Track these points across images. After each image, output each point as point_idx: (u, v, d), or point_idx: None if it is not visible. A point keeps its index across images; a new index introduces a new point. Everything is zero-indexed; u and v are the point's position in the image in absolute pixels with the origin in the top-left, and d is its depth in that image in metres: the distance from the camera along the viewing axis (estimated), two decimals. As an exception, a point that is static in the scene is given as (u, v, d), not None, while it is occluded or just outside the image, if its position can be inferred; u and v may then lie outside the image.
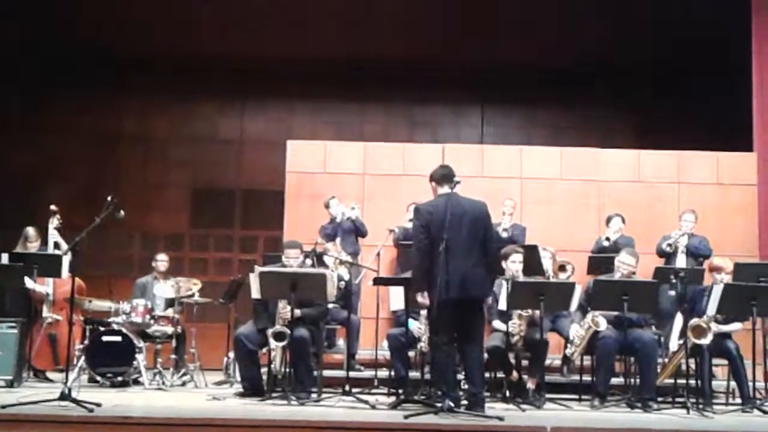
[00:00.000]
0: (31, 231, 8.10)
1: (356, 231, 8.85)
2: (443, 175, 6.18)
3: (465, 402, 5.94)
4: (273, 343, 6.72)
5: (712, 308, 6.72)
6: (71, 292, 6.27)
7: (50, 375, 7.93)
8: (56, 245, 8.09)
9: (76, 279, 6.70)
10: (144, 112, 12.48)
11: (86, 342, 7.61)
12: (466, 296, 5.87)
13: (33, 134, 11.97)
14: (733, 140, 10.27)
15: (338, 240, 8.61)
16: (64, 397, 5.67)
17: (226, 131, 12.64)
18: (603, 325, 6.83)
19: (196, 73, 12.01)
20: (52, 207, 8.17)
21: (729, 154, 9.73)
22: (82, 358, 7.48)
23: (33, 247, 8.02)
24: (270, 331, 6.74)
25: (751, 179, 9.46)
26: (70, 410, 5.51)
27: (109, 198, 6.29)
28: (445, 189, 6.14)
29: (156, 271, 8.57)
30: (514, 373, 6.91)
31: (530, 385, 6.87)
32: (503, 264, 7.17)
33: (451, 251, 5.81)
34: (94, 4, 10.90)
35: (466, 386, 6.12)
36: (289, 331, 6.59)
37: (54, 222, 8.13)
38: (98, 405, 5.61)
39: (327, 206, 8.95)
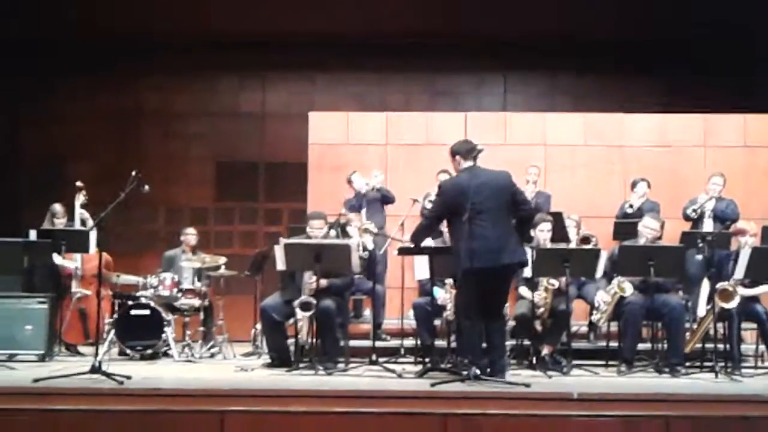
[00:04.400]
0: (58, 207, 8.18)
1: (383, 200, 8.83)
2: (466, 150, 6.09)
3: (488, 369, 5.92)
4: (299, 313, 6.77)
5: (739, 272, 6.66)
6: (98, 267, 6.32)
7: (81, 349, 8.04)
8: (83, 221, 8.17)
9: (104, 254, 6.77)
10: (165, 87, 12.46)
11: (115, 316, 7.71)
12: (494, 265, 5.79)
13: (56, 114, 12.03)
14: (761, 102, 10.11)
15: (364, 211, 8.61)
16: (95, 370, 5.75)
17: (248, 104, 12.62)
18: (629, 290, 6.80)
19: (217, 47, 11.99)
20: (78, 183, 8.25)
21: (756, 116, 9.61)
22: (112, 331, 7.59)
23: (60, 223, 8.09)
24: (296, 302, 6.78)
25: (779, 141, 9.34)
26: (101, 383, 5.59)
27: (133, 173, 6.32)
28: (467, 163, 6.06)
29: (185, 245, 8.61)
30: (546, 348, 6.92)
31: (546, 351, 6.87)
32: (531, 232, 7.14)
33: (476, 222, 5.75)
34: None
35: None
36: (315, 301, 6.62)
37: (80, 198, 8.21)
38: (128, 377, 5.69)
39: (350, 182, 8.93)
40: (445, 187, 6.15)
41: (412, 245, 6.41)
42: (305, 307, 6.71)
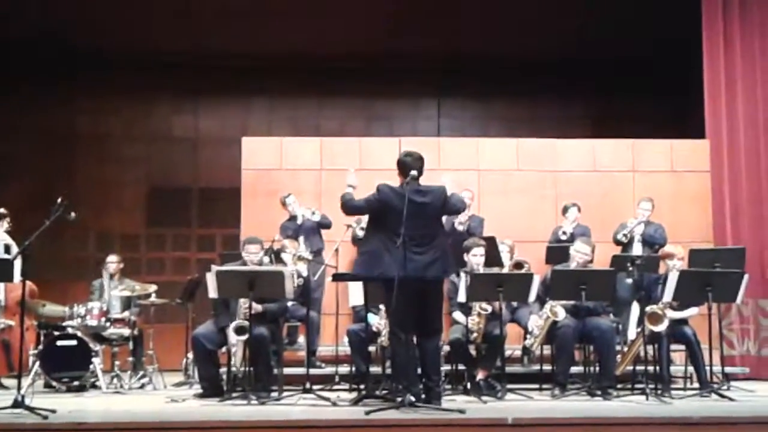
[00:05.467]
0: None
1: (319, 225, 8.78)
2: (410, 164, 6.01)
3: (423, 395, 5.89)
4: (234, 337, 6.66)
5: (668, 295, 6.79)
6: (22, 297, 6.12)
7: (5, 382, 7.77)
8: (7, 248, 7.93)
9: (29, 283, 6.57)
10: (97, 110, 12.26)
11: (40, 347, 7.47)
12: (424, 277, 5.81)
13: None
14: (686, 128, 10.39)
15: (302, 239, 8.53)
16: (18, 404, 5.56)
17: (181, 129, 12.49)
18: (561, 315, 6.88)
19: (150, 70, 11.84)
20: (1, 210, 8.01)
21: (682, 142, 9.83)
22: (37, 363, 7.34)
23: (-19, 251, 7.84)
24: (231, 326, 6.69)
25: (705, 166, 9.56)
26: (24, 418, 5.39)
27: (59, 200, 6.15)
28: (409, 176, 5.96)
29: (106, 273, 8.41)
30: (480, 373, 6.92)
31: (480, 376, 6.90)
32: (465, 257, 7.18)
33: (408, 244, 5.70)
34: (46, -1, 10.69)
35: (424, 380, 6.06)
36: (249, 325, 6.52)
37: (3, 225, 7.98)
38: (53, 411, 5.49)
39: (284, 204, 8.85)
40: (383, 191, 6.01)
41: (343, 210, 6.30)
42: (240, 331, 6.62)
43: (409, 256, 5.70)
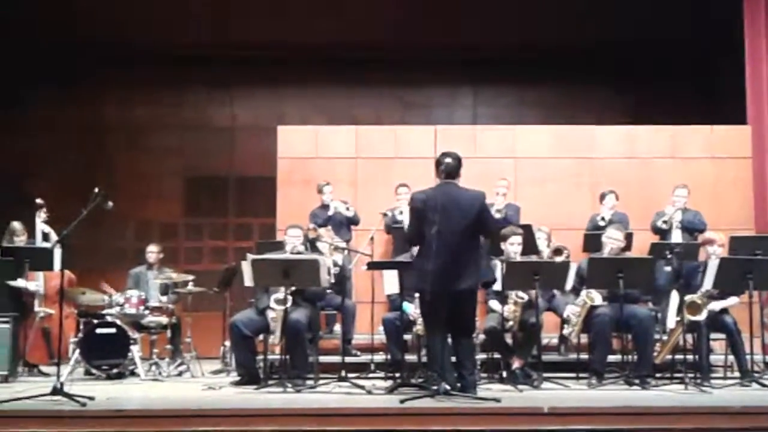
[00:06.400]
0: (16, 225, 7.99)
1: (348, 221, 8.82)
2: (445, 164, 5.95)
3: (458, 384, 5.85)
4: (275, 308, 6.72)
5: (708, 283, 6.70)
6: (60, 286, 6.21)
7: (46, 369, 7.89)
8: (45, 237, 8.03)
9: (67, 272, 6.65)
10: (132, 102, 12.33)
11: (80, 335, 7.57)
12: (454, 289, 5.75)
13: (21, 128, 11.82)
14: (727, 113, 10.20)
15: (330, 228, 8.55)
16: (57, 391, 5.63)
17: (216, 118, 12.52)
18: (598, 300, 6.81)
19: (186, 60, 11.88)
20: (38, 201, 8.13)
21: (723, 128, 9.67)
22: (77, 351, 7.45)
23: (20, 241, 7.90)
24: (273, 297, 6.76)
25: (746, 152, 9.41)
26: (63, 404, 5.48)
27: (96, 189, 6.21)
28: (443, 177, 5.95)
29: (147, 262, 8.51)
30: (516, 362, 6.87)
31: (516, 365, 6.83)
32: (502, 245, 7.13)
33: (441, 244, 5.67)
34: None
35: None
36: (290, 296, 6.58)
37: (41, 215, 8.09)
38: (91, 398, 5.58)
39: (320, 191, 8.88)
40: (415, 198, 6.00)
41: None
42: (281, 302, 6.66)
43: (442, 267, 5.67)
